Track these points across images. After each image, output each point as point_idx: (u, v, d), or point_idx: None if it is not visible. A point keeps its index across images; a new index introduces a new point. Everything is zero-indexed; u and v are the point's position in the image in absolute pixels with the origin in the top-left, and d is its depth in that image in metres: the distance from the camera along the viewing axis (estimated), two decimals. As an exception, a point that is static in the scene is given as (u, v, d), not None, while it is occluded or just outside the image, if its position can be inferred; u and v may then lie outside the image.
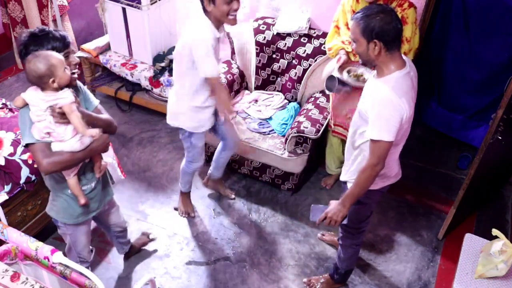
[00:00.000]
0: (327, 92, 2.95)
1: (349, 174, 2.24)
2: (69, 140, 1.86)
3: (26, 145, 1.86)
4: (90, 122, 1.91)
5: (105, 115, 2.05)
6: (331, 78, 2.78)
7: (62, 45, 1.88)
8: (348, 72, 2.74)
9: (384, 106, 1.88)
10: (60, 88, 1.82)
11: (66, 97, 1.81)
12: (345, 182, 2.30)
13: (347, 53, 2.79)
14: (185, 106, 2.64)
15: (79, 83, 2.01)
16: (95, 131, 1.91)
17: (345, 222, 2.35)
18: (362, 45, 1.90)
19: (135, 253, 2.89)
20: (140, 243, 2.92)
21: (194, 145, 2.81)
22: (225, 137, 2.95)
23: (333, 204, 2.13)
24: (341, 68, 2.75)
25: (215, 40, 2.43)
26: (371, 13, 1.86)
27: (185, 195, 3.16)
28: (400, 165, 2.29)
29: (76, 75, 1.94)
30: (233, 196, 3.33)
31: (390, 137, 1.90)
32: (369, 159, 1.98)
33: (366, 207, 2.31)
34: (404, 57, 2.03)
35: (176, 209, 3.22)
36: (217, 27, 2.44)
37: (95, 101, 2.05)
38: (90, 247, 2.46)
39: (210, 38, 2.38)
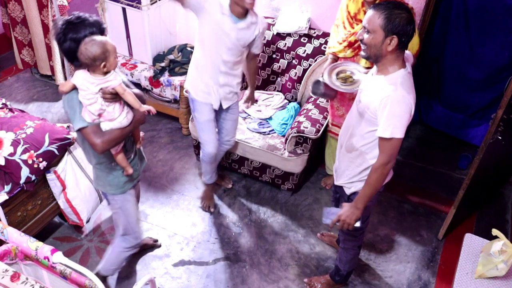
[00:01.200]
0: (312, 95, 2.96)
1: (344, 178, 2.22)
2: (118, 117, 1.98)
3: (78, 130, 1.96)
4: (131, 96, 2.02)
5: (135, 89, 2.14)
6: (317, 82, 2.76)
7: (98, 30, 1.95)
8: (338, 74, 2.68)
9: (397, 103, 1.87)
10: (107, 72, 1.91)
11: (115, 79, 1.93)
12: (340, 187, 2.29)
13: (336, 57, 2.80)
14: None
15: None
16: (149, 107, 2.06)
17: (358, 224, 2.25)
18: (378, 38, 1.86)
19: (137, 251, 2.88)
20: (143, 243, 2.91)
21: (197, 119, 2.85)
22: (221, 131, 2.98)
23: (346, 206, 2.10)
24: (331, 70, 2.71)
25: (219, 14, 2.49)
26: (395, 8, 1.83)
27: (207, 187, 3.19)
28: None
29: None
30: (230, 185, 3.37)
31: (402, 134, 1.90)
32: (380, 158, 1.97)
33: (365, 209, 2.30)
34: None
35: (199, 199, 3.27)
36: (237, 12, 2.47)
37: (123, 77, 2.14)
38: None
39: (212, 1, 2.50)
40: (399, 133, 1.88)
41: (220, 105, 2.82)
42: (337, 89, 2.64)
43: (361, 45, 1.96)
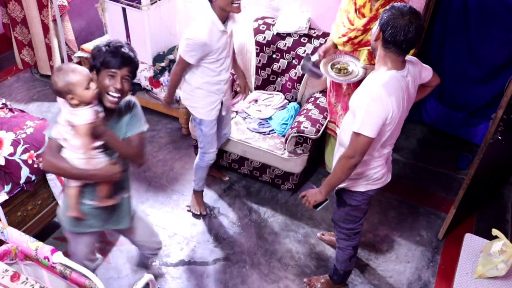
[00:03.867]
0: (301, 71, 2.97)
1: None
2: (77, 154, 1.83)
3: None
4: (111, 145, 1.85)
5: (134, 145, 1.91)
6: (308, 58, 2.78)
7: (129, 66, 1.86)
8: (333, 65, 2.71)
9: (372, 100, 1.88)
10: (87, 103, 1.76)
11: (81, 116, 1.74)
12: None
13: (334, 44, 2.80)
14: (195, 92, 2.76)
15: (136, 102, 1.96)
16: (102, 163, 1.84)
17: (332, 217, 2.45)
18: (375, 28, 1.94)
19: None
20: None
21: (204, 132, 2.85)
22: (220, 125, 3.00)
23: (315, 189, 2.20)
24: (327, 61, 2.73)
25: (218, 34, 2.50)
26: (398, 7, 1.86)
27: (198, 194, 3.17)
28: (391, 170, 2.28)
29: (114, 98, 1.83)
30: (227, 178, 3.44)
31: (371, 133, 1.89)
32: (346, 149, 2.00)
33: (355, 209, 2.32)
34: (411, 58, 2.03)
35: (188, 207, 3.22)
36: (223, 18, 2.49)
37: (138, 129, 1.92)
38: (97, 255, 2.42)
39: (199, 38, 2.45)
40: (367, 131, 1.88)
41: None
42: (331, 79, 2.68)
43: None
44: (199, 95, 2.73)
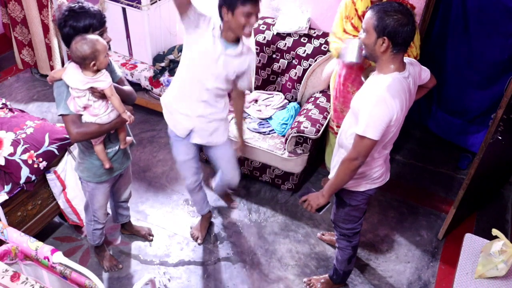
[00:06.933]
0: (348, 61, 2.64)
1: (334, 173, 2.25)
2: (101, 114, 2.07)
3: (60, 115, 2.07)
4: (119, 93, 2.09)
5: (126, 86, 2.24)
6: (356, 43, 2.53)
7: (98, 23, 2.03)
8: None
9: (377, 103, 1.88)
10: (98, 70, 1.98)
11: (105, 80, 1.99)
12: None
13: None
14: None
15: None
16: (129, 116, 2.13)
17: (332, 217, 2.44)
18: (371, 38, 1.89)
19: (129, 232, 3.01)
20: (138, 230, 3.00)
21: (174, 155, 2.72)
22: (221, 169, 2.79)
23: (316, 192, 2.19)
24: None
25: (218, 53, 2.28)
26: (389, 10, 1.84)
27: (201, 218, 3.05)
28: (389, 169, 2.29)
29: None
30: (236, 205, 3.28)
31: (375, 135, 1.89)
32: (349, 152, 2.00)
33: (355, 209, 2.32)
34: (410, 60, 2.04)
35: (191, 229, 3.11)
36: (229, 38, 2.27)
37: (119, 73, 2.25)
38: (108, 211, 2.68)
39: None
40: (371, 134, 1.89)
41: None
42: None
43: None
44: (174, 89, 2.54)
